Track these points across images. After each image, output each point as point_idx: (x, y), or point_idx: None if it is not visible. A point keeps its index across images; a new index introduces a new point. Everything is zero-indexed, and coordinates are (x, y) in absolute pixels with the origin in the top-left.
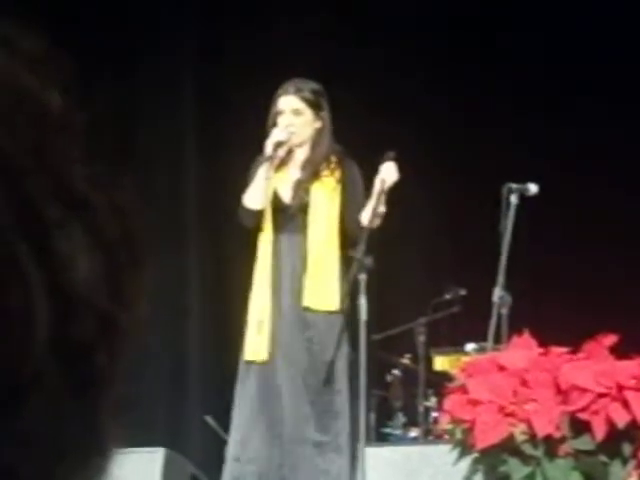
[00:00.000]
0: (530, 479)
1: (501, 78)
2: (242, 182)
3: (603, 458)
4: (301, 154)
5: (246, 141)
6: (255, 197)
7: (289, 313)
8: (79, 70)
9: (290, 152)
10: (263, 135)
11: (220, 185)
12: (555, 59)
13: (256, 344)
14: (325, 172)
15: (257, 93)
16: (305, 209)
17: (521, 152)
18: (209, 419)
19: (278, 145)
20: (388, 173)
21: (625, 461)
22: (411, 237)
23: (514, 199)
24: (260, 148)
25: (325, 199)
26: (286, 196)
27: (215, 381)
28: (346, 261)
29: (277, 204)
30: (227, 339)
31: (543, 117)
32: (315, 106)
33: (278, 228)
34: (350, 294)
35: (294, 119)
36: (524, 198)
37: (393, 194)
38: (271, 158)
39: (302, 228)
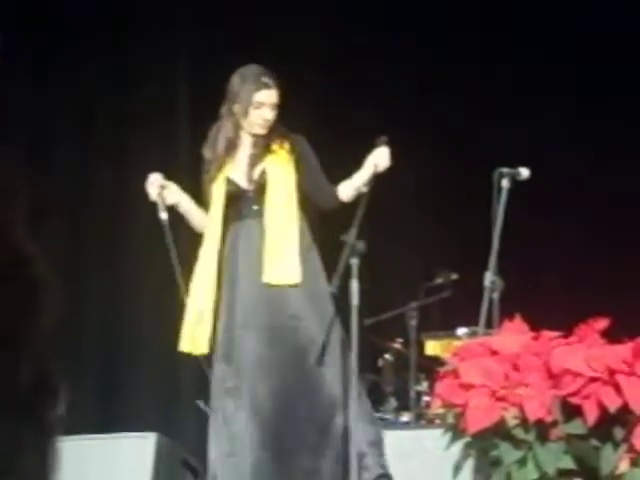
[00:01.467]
0: (522, 463)
1: (496, 62)
2: None
3: (595, 442)
4: (249, 137)
5: None
6: (194, 226)
7: (251, 294)
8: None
9: (235, 140)
10: None
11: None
12: (550, 44)
13: (194, 335)
14: (274, 146)
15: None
16: (263, 189)
17: (514, 136)
18: (201, 403)
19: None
20: (380, 158)
21: (617, 445)
22: (403, 221)
23: (506, 183)
24: None
25: (281, 172)
26: (241, 180)
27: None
28: (305, 232)
29: (233, 191)
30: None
31: (536, 102)
32: (280, 95)
33: (234, 216)
34: (342, 278)
35: (271, 113)
36: (516, 182)
37: (385, 178)
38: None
39: (260, 211)
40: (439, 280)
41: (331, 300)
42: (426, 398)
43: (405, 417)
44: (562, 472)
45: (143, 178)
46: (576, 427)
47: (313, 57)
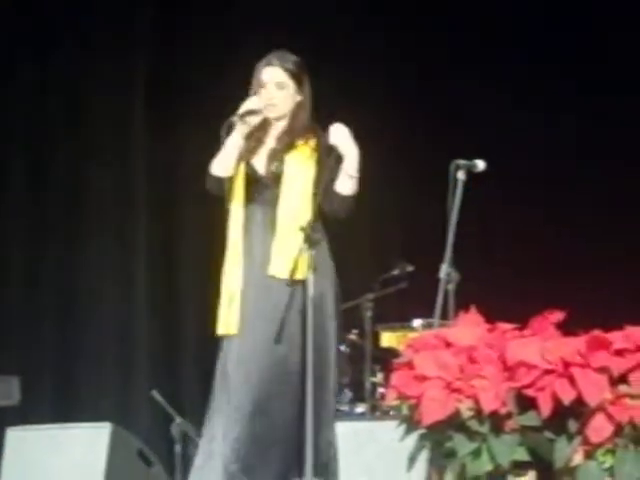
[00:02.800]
0: (476, 455)
1: (456, 53)
2: (196, 149)
3: (549, 434)
4: (278, 128)
5: (201, 103)
6: (222, 164)
7: (258, 284)
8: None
9: (267, 125)
10: (220, 96)
11: (172, 155)
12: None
13: (227, 317)
14: (299, 141)
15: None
16: (279, 179)
17: (470, 129)
18: (155, 394)
19: (249, 113)
20: (335, 135)
21: (571, 437)
22: (360, 212)
23: (461, 175)
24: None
25: (300, 167)
26: (260, 166)
27: (162, 355)
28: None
29: (251, 175)
30: (174, 311)
31: (493, 93)
32: (298, 80)
33: (251, 199)
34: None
35: (277, 92)
36: (471, 174)
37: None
38: (235, 123)
39: (275, 199)
40: (395, 271)
41: (335, 302)
42: (381, 390)
43: (360, 408)
44: (516, 464)
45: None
46: (530, 419)
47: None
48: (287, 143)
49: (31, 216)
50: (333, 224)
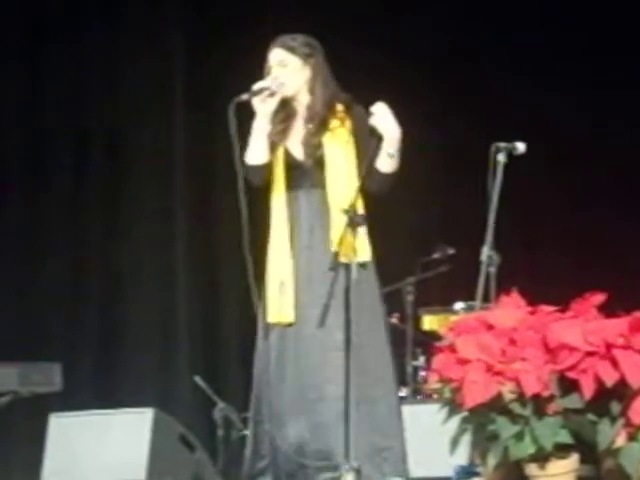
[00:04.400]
0: (518, 438)
1: (496, 37)
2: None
3: (592, 417)
4: (301, 106)
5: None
6: (254, 152)
7: (308, 271)
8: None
9: (291, 108)
10: None
11: (210, 144)
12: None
13: (280, 305)
14: (335, 123)
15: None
16: (320, 163)
17: (510, 111)
18: (198, 379)
19: (260, 91)
20: (379, 117)
21: (614, 420)
22: (399, 196)
23: (502, 157)
24: None
25: (340, 151)
26: (298, 152)
27: (205, 341)
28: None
29: (290, 161)
30: (216, 296)
31: (532, 77)
32: (301, 54)
33: (293, 185)
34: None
35: (280, 71)
36: (512, 156)
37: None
38: (245, 101)
39: (319, 183)
40: (436, 255)
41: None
42: (423, 373)
43: (402, 392)
44: (559, 446)
45: None
46: (573, 401)
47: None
48: (317, 123)
49: (73, 202)
50: (375, 208)
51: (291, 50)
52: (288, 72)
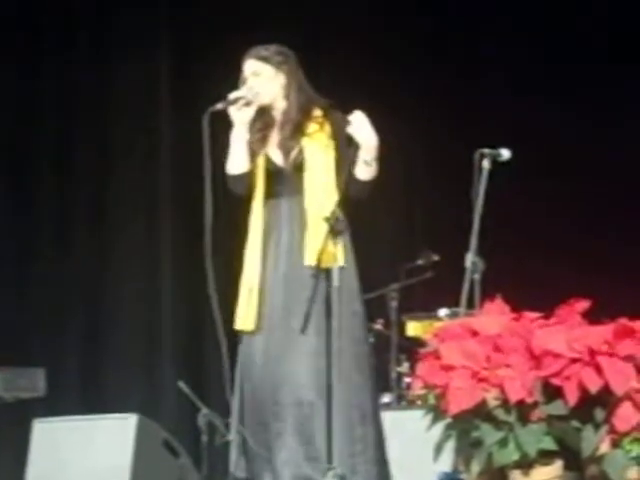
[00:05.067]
0: (502, 444)
1: (483, 45)
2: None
3: (576, 423)
4: (279, 113)
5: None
6: (235, 161)
7: (288, 276)
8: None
9: (269, 117)
10: None
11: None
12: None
13: (245, 313)
14: (313, 128)
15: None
16: (301, 169)
17: (495, 118)
18: (182, 385)
19: (236, 100)
20: (356, 125)
21: (598, 426)
22: (384, 202)
23: (486, 164)
24: None
25: (319, 156)
26: (277, 158)
27: (188, 347)
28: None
29: (270, 168)
30: (201, 303)
31: (515, 84)
32: (274, 62)
33: (274, 193)
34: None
35: (254, 80)
36: (497, 163)
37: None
38: (220, 109)
39: (300, 189)
40: (420, 261)
41: (359, 292)
42: (407, 379)
43: (386, 398)
44: (543, 453)
45: None
46: (557, 408)
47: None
48: (292, 128)
49: (57, 203)
50: (358, 215)
51: (264, 59)
52: (262, 81)
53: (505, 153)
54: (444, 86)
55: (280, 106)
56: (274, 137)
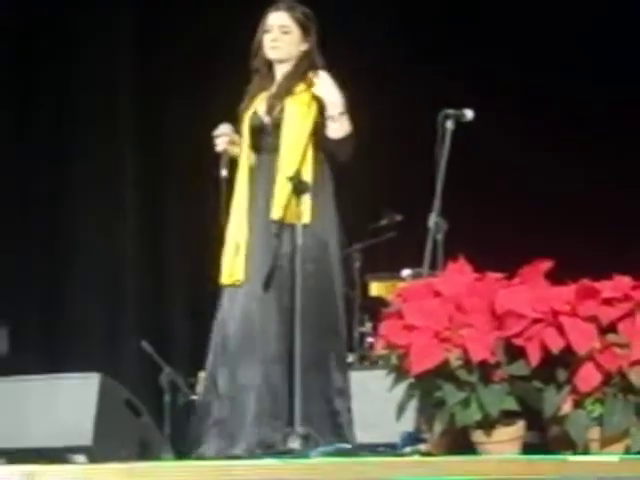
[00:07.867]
0: (465, 404)
1: (450, 7)
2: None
3: (538, 384)
4: (280, 72)
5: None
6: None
7: (262, 232)
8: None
9: (269, 76)
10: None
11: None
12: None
13: (232, 267)
14: (300, 87)
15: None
16: (279, 127)
17: (458, 79)
18: (145, 344)
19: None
20: (319, 86)
21: (560, 387)
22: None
23: (450, 125)
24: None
25: (298, 115)
26: (262, 114)
27: (151, 306)
28: (321, 174)
29: (256, 123)
30: (163, 262)
31: (480, 47)
32: (304, 28)
33: (257, 148)
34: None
35: (281, 35)
36: (460, 124)
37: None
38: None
39: (277, 146)
40: (384, 221)
41: (338, 248)
42: (370, 339)
43: (349, 358)
44: (505, 413)
45: None
46: (519, 368)
47: None
48: (285, 89)
49: (18, 165)
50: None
51: (297, 20)
52: (288, 39)
53: (468, 113)
54: (412, 47)
55: (285, 69)
56: (265, 94)
